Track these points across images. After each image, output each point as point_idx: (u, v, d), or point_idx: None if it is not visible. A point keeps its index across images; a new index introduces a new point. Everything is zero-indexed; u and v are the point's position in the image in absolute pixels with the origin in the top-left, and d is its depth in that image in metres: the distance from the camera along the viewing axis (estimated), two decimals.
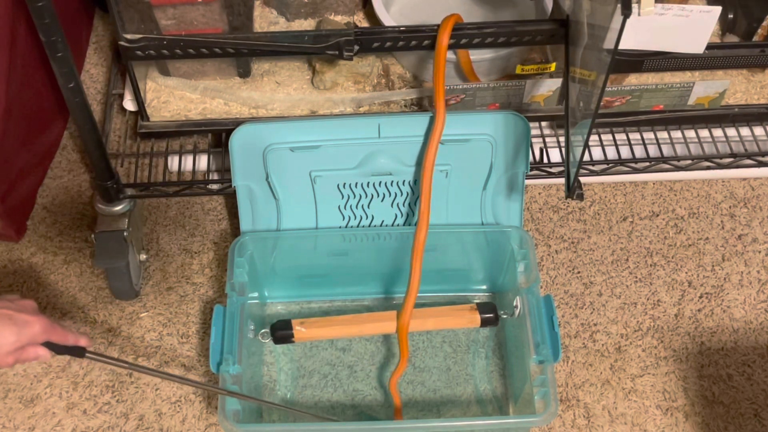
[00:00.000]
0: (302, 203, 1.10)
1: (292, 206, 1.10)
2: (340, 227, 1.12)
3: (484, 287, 1.19)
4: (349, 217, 1.12)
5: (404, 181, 1.09)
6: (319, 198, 1.10)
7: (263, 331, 1.06)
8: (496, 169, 1.09)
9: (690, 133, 1.19)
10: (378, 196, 1.11)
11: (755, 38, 1.16)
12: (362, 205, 1.11)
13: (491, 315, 1.06)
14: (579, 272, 1.21)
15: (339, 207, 1.11)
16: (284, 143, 1.06)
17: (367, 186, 1.10)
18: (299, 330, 1.04)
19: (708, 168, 1.17)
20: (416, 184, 1.10)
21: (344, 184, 1.09)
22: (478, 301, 1.17)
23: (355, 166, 1.08)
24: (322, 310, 1.17)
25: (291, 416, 1.08)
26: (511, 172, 1.10)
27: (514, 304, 1.06)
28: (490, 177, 1.10)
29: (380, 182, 1.09)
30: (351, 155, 1.08)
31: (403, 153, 1.08)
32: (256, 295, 1.11)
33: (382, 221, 1.13)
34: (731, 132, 1.19)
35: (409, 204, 1.11)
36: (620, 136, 1.18)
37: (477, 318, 1.06)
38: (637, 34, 0.92)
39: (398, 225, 1.13)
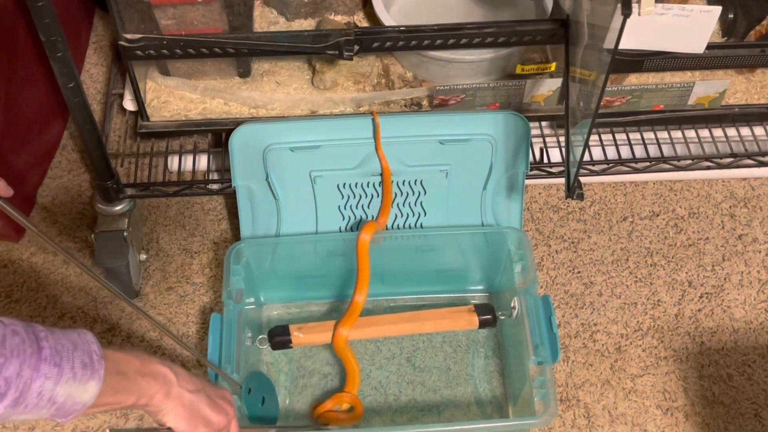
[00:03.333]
0: (302, 203, 1.10)
1: (292, 207, 1.10)
2: (339, 228, 1.12)
3: (482, 288, 1.18)
4: (349, 217, 1.12)
5: (404, 181, 1.09)
6: (319, 198, 1.10)
7: (261, 337, 1.06)
8: (496, 169, 1.09)
9: (690, 133, 1.19)
10: (378, 196, 1.11)
11: (751, 37, 1.15)
12: (362, 205, 1.11)
13: (489, 317, 1.06)
14: (579, 272, 1.21)
15: (339, 207, 1.11)
16: (284, 143, 1.06)
17: (367, 186, 1.10)
18: (297, 336, 1.04)
19: (708, 168, 1.17)
20: (416, 184, 1.10)
21: (344, 184, 1.09)
22: (476, 302, 1.17)
23: (355, 166, 1.08)
24: (321, 312, 1.17)
25: (290, 417, 1.08)
26: (511, 172, 1.10)
27: (512, 305, 1.06)
28: (490, 177, 1.10)
29: (380, 182, 1.09)
30: (351, 155, 1.08)
31: (403, 153, 1.08)
32: (252, 300, 1.11)
33: None
34: (731, 132, 1.19)
35: (409, 204, 1.11)
36: (620, 136, 1.18)
37: (475, 320, 1.06)
38: (637, 34, 0.92)
39: (398, 225, 1.13)
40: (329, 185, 1.09)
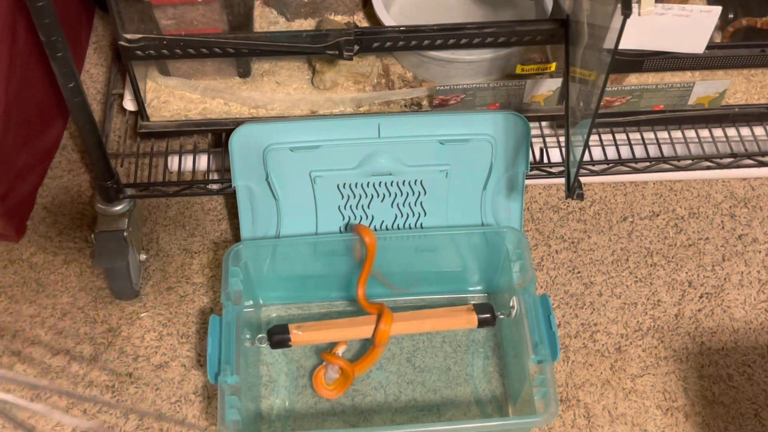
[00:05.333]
0: (302, 204, 1.10)
1: (292, 207, 1.10)
2: (339, 228, 1.12)
3: (480, 288, 1.18)
4: (349, 218, 1.12)
5: (404, 181, 1.09)
6: (319, 198, 1.10)
7: (260, 336, 1.06)
8: (496, 169, 1.09)
9: (690, 133, 1.19)
10: (378, 196, 1.11)
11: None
12: (362, 206, 1.11)
13: (488, 315, 1.06)
14: (579, 272, 1.21)
15: (339, 207, 1.11)
16: (284, 143, 1.06)
17: (367, 186, 1.10)
18: (296, 334, 1.04)
19: (708, 168, 1.17)
20: (416, 184, 1.10)
21: (344, 184, 1.09)
22: (474, 302, 1.17)
23: (355, 166, 1.08)
24: (321, 313, 1.17)
25: (290, 425, 1.08)
26: (511, 172, 1.10)
27: (511, 304, 1.06)
28: (490, 177, 1.10)
29: (380, 182, 1.09)
30: (351, 155, 1.08)
31: (403, 153, 1.08)
32: (251, 303, 1.11)
33: (382, 221, 1.13)
34: (731, 132, 1.19)
35: (409, 204, 1.11)
36: (620, 136, 1.18)
37: (474, 319, 1.06)
38: (637, 34, 0.92)
39: (398, 225, 1.13)
40: (329, 185, 1.09)
